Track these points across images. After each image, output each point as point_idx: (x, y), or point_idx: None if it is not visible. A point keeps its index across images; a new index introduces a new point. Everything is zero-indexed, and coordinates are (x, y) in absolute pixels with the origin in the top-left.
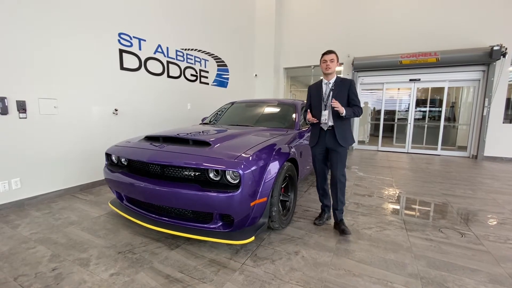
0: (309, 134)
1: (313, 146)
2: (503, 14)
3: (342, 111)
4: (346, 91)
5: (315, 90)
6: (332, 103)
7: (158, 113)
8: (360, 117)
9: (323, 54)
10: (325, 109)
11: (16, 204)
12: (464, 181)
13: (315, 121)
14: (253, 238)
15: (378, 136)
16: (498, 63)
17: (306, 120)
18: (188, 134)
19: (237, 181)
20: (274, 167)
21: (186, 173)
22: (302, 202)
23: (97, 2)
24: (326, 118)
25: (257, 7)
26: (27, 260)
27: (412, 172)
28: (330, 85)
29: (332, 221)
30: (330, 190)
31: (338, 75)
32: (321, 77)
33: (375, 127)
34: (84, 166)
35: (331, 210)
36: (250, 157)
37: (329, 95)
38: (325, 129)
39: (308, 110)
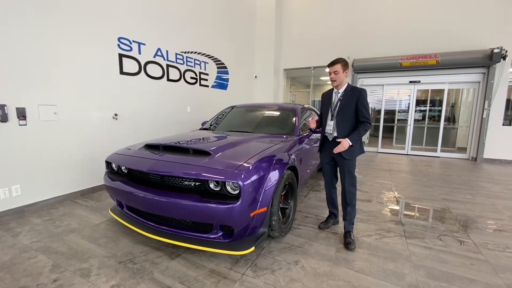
0: (308, 139)
1: (321, 154)
2: (504, 16)
3: (346, 146)
4: (354, 102)
5: (325, 98)
6: (336, 149)
7: (158, 117)
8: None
9: (327, 66)
10: (331, 119)
11: (17, 211)
12: (463, 185)
13: (311, 126)
14: (253, 248)
15: (378, 137)
16: (498, 66)
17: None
18: (188, 142)
19: (237, 191)
20: (274, 176)
21: (186, 183)
22: (302, 208)
23: (96, 7)
24: (331, 129)
25: (257, 8)
26: (28, 271)
27: (411, 175)
28: (339, 95)
29: (337, 227)
30: (341, 199)
31: (349, 83)
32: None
33: (375, 128)
34: (85, 171)
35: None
36: (250, 168)
37: (336, 105)
38: (330, 139)
39: (315, 117)
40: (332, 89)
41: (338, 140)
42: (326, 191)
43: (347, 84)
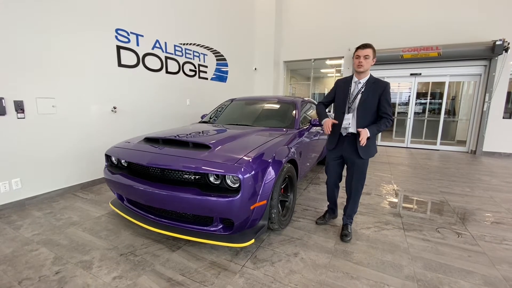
0: (308, 132)
1: (330, 150)
2: (506, 8)
3: (365, 139)
4: (377, 96)
5: (342, 87)
6: (361, 140)
7: (157, 110)
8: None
9: (357, 48)
10: (348, 112)
11: (18, 204)
12: (462, 178)
13: (327, 132)
14: (253, 240)
15: None
16: (500, 58)
17: (322, 125)
18: (187, 135)
19: (237, 185)
20: (273, 169)
21: (186, 176)
22: (301, 201)
23: None
24: (349, 122)
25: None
26: (30, 263)
27: (411, 168)
28: (360, 85)
29: (336, 220)
30: (346, 196)
31: (371, 74)
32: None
33: None
34: (84, 164)
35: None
36: (250, 161)
37: (356, 96)
38: (344, 134)
39: (325, 112)
40: (351, 78)
41: (359, 130)
42: (328, 190)
43: (369, 74)
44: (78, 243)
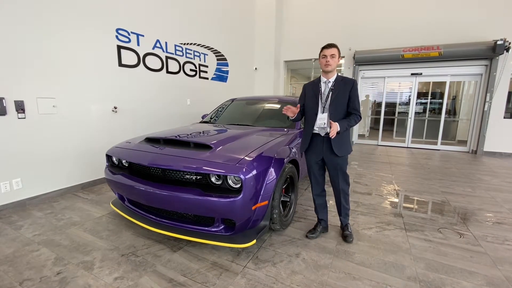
0: None
1: (307, 154)
2: (507, 8)
3: (336, 131)
4: (347, 92)
5: (311, 90)
6: (331, 132)
7: (158, 110)
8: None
9: (323, 48)
10: (323, 112)
11: (18, 205)
12: (463, 178)
13: (291, 115)
14: (254, 241)
15: (378, 129)
16: (501, 58)
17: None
18: (188, 135)
19: (239, 185)
20: (275, 169)
21: (188, 176)
22: (303, 201)
23: None
24: (325, 122)
25: None
26: (31, 264)
27: (412, 168)
28: (330, 85)
29: (336, 221)
30: (334, 200)
31: (338, 74)
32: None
33: (375, 121)
34: (85, 164)
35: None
36: (251, 161)
37: (328, 95)
38: (323, 135)
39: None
40: (319, 79)
41: (330, 121)
42: (315, 197)
43: (336, 73)
44: (79, 244)
